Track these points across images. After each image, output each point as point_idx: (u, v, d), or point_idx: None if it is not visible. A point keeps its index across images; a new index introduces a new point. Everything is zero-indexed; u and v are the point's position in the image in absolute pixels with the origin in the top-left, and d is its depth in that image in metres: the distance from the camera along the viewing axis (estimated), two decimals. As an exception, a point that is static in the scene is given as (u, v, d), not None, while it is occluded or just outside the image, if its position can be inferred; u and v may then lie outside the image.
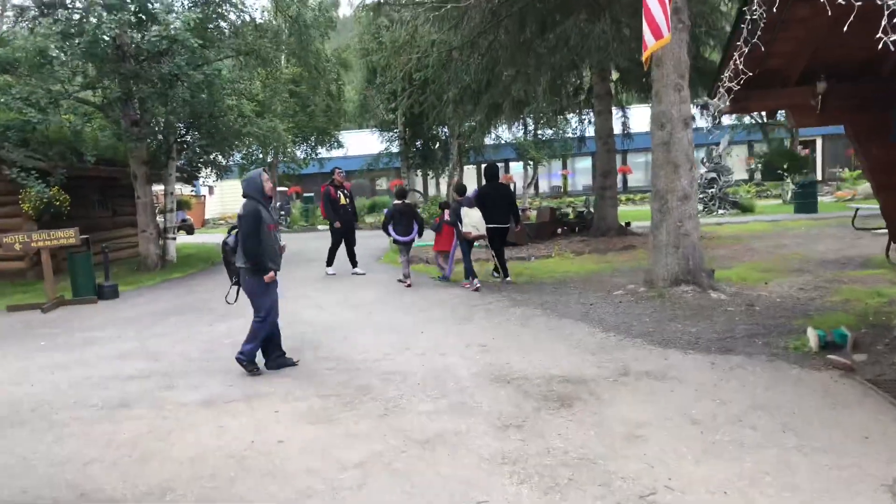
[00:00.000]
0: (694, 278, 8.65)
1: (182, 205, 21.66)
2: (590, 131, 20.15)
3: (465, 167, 28.66)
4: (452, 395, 5.24)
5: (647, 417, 4.55)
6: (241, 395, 5.53)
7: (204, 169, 16.70)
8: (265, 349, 6.47)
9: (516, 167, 36.78)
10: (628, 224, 17.16)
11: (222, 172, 17.41)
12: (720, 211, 22.65)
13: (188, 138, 15.05)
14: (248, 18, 14.83)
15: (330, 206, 11.88)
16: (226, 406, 5.28)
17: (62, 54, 10.51)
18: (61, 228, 10.74)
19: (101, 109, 12.87)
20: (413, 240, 10.77)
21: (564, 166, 36.24)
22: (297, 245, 17.01)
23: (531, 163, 29.39)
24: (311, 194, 28.86)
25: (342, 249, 12.18)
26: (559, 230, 17.57)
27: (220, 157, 16.15)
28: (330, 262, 12.32)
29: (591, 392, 5.14)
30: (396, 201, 10.88)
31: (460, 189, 10.72)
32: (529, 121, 26.41)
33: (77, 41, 10.57)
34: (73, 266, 10.62)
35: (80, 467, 4.21)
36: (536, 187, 35.20)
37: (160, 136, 14.17)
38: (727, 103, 5.26)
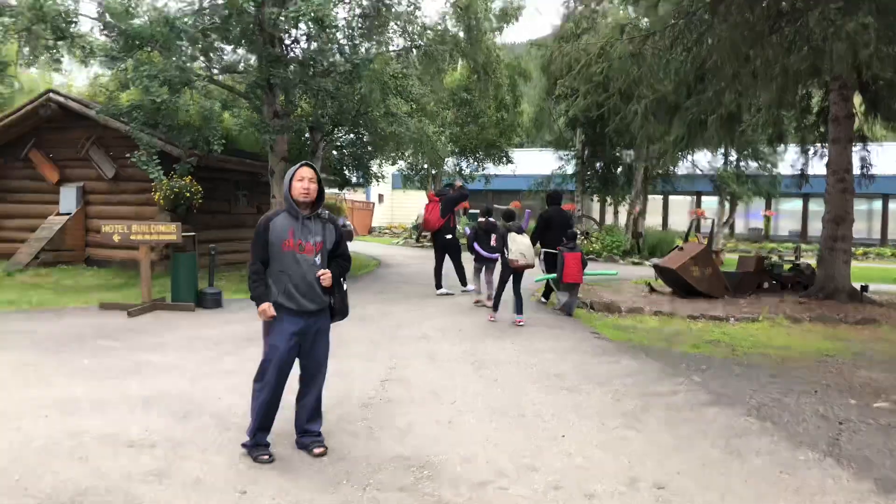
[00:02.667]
0: None
1: (334, 210, 20.62)
2: (814, 166, 16.13)
3: (651, 197, 25.27)
4: None
5: None
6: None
7: (352, 173, 15.24)
8: (297, 422, 4.39)
9: (709, 202, 32.39)
10: (865, 287, 13.08)
11: (370, 179, 15.89)
12: None
13: (338, 137, 13.59)
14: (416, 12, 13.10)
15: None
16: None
17: (192, 28, 9.24)
18: (173, 222, 9.47)
19: (243, 96, 11.67)
20: (496, 259, 9.85)
21: (768, 206, 31.25)
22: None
23: (728, 198, 25.22)
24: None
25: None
26: (766, 284, 13.90)
27: (368, 160, 14.55)
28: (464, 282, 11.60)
29: None
30: (481, 219, 10.45)
31: (508, 215, 9.59)
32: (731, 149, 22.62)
33: (210, 14, 9.27)
34: (175, 266, 9.27)
35: None
36: (732, 228, 30.63)
37: (306, 133, 12.79)
38: None
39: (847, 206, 12.93)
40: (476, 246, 10.26)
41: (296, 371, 4.32)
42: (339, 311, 4.31)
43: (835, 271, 12.75)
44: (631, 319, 10.25)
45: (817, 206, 31.50)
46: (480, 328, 8.65)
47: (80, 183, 13.17)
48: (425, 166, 23.23)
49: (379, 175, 16.54)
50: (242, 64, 11.02)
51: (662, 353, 7.58)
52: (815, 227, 31.58)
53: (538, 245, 10.44)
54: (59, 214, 12.99)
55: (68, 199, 12.91)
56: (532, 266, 8.93)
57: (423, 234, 25.88)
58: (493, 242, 10.11)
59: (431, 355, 6.95)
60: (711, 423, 5.13)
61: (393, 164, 20.57)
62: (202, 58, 10.82)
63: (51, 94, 12.39)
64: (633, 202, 22.77)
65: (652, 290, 13.54)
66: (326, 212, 4.23)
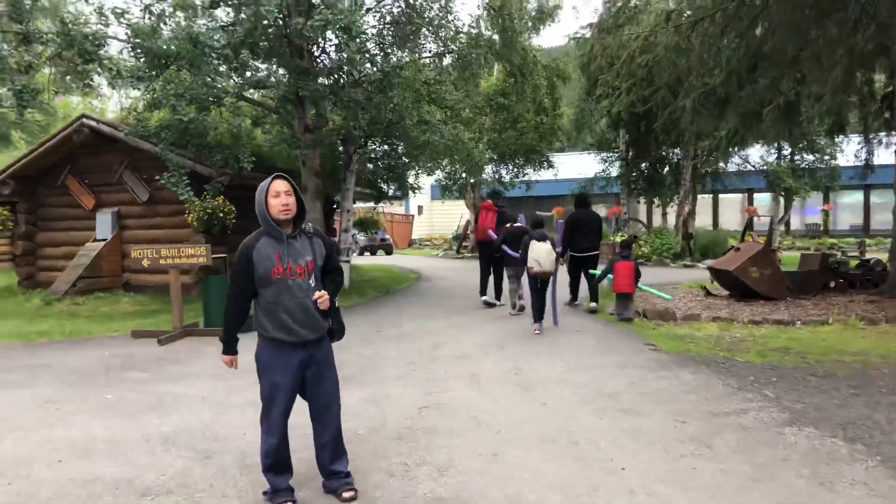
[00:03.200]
0: None
1: (369, 224, 20.35)
2: (879, 155, 15.11)
3: (700, 196, 24.26)
4: None
5: None
6: None
7: (388, 185, 14.87)
8: (319, 464, 3.92)
9: (761, 199, 31.11)
10: (944, 282, 12.04)
11: (406, 190, 15.48)
12: None
13: (372, 149, 13.23)
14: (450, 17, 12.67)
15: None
16: None
17: (218, 42, 8.99)
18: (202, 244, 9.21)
19: (273, 112, 11.42)
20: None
21: (826, 200, 29.80)
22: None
23: (783, 194, 24.04)
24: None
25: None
26: (832, 284, 12.96)
27: (403, 171, 14.15)
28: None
29: None
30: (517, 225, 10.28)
31: (535, 223, 9.22)
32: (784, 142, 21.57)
33: (235, 28, 9.01)
34: (206, 290, 8.98)
35: None
36: (788, 225, 29.31)
37: (339, 147, 12.47)
38: None
39: (920, 194, 11.96)
40: (505, 248, 10.00)
41: (303, 408, 3.85)
42: (337, 330, 3.91)
43: (909, 267, 11.80)
44: (687, 328, 9.55)
45: (880, 199, 29.89)
46: (524, 344, 8.10)
47: (116, 208, 13.12)
48: (463, 175, 22.75)
49: (416, 186, 16.13)
50: (272, 78, 10.74)
51: (726, 365, 6.91)
52: (879, 221, 30.07)
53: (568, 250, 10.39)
54: (95, 241, 12.96)
55: (104, 224, 12.87)
56: (550, 273, 8.70)
57: (465, 243, 25.42)
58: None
59: (473, 376, 6.44)
60: (792, 446, 4.49)
61: (430, 174, 20.15)
62: (231, 74, 10.60)
63: (83, 119, 12.37)
64: (681, 202, 21.86)
65: (708, 293, 12.76)
66: (310, 225, 3.78)
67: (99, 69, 9.72)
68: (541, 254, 8.54)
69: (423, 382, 6.25)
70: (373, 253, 27.18)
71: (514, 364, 6.93)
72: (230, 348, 3.79)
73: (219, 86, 9.80)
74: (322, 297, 3.62)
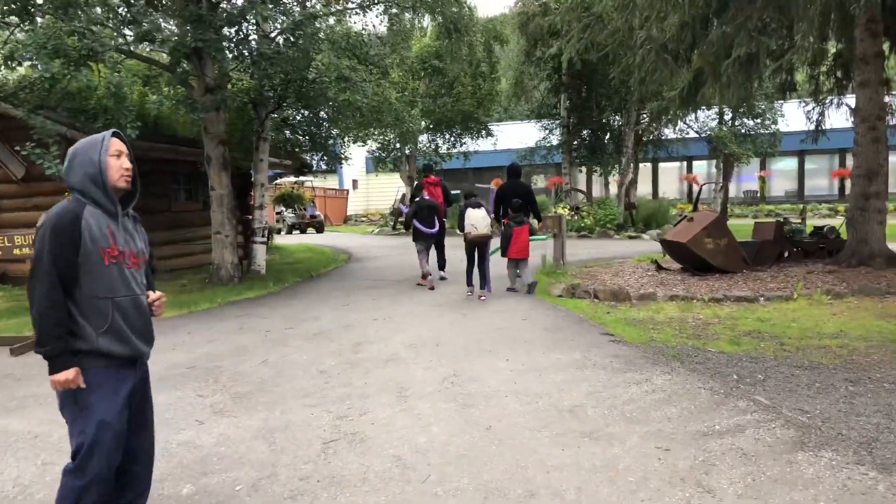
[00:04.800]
0: None
1: (294, 199, 18.67)
2: (833, 117, 14.46)
3: (642, 165, 23.54)
4: None
5: None
6: None
7: (311, 155, 13.32)
8: None
9: (699, 166, 30.83)
10: (904, 250, 11.44)
11: (332, 161, 13.97)
12: None
13: (288, 113, 11.64)
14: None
15: None
16: None
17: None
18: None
19: (167, 69, 9.72)
20: (434, 234, 10.46)
21: (763, 167, 29.68)
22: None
23: (724, 161, 23.52)
24: (458, 192, 25.11)
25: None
26: (786, 253, 12.25)
27: (326, 139, 12.63)
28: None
29: None
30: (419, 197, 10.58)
31: (467, 193, 9.99)
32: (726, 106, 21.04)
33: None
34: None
35: None
36: (726, 193, 29.07)
37: (251, 110, 10.85)
38: None
39: (880, 157, 11.25)
40: (416, 223, 10.31)
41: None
42: (152, 339, 2.98)
43: (868, 234, 11.13)
44: (645, 310, 8.54)
45: (814, 164, 30.00)
46: (464, 336, 6.87)
47: (-14, 187, 11.17)
48: (398, 146, 21.29)
49: (343, 157, 14.60)
50: (162, 27, 8.99)
51: (699, 359, 5.86)
52: (812, 186, 30.23)
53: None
54: (-38, 225, 11.01)
55: (-29, 206, 10.92)
56: (487, 237, 9.14)
57: (400, 219, 24.02)
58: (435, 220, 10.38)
59: (401, 389, 5.15)
60: (815, 483, 3.39)
61: (361, 143, 18.61)
62: (113, 22, 8.84)
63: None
64: (623, 171, 21.06)
65: (659, 268, 11.86)
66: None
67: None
68: (476, 219, 8.98)
69: (336, 400, 4.93)
70: (302, 231, 25.41)
71: (452, 367, 5.68)
72: (63, 360, 2.54)
73: (95, 36, 8.05)
74: (161, 299, 2.85)
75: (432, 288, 10.15)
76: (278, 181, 22.32)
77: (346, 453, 3.93)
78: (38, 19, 8.38)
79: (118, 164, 2.65)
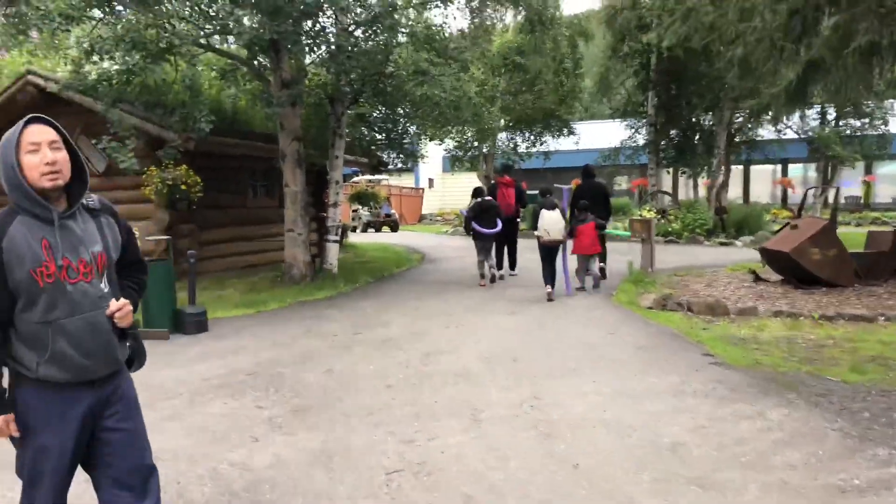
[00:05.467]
0: None
1: (368, 198, 18.42)
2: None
3: (732, 168, 22.16)
4: None
5: None
6: None
7: (388, 153, 12.99)
8: None
9: (795, 169, 28.87)
10: None
11: (408, 159, 13.60)
12: None
13: (365, 109, 11.33)
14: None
15: None
16: None
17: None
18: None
19: (245, 63, 9.54)
20: (493, 234, 10.37)
21: (868, 171, 27.49)
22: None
23: (827, 164, 21.83)
24: (536, 192, 24.34)
25: None
26: (905, 267, 10.98)
27: (402, 135, 12.26)
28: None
29: None
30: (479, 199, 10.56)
31: (542, 192, 9.75)
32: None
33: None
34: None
35: None
36: (826, 199, 27.10)
37: (327, 105, 10.58)
38: None
39: None
40: (475, 224, 10.27)
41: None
42: (138, 355, 2.50)
43: None
44: (746, 326, 7.69)
45: (926, 168, 27.60)
46: (544, 351, 6.28)
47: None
48: (475, 144, 20.79)
49: (419, 154, 14.23)
50: (236, 17, 8.74)
51: (819, 389, 5.06)
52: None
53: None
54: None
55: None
56: (560, 241, 9.09)
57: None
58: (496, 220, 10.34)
59: (473, 411, 4.62)
60: None
61: (438, 141, 18.21)
62: (192, 13, 8.71)
63: (29, 77, 10.56)
64: (714, 173, 19.84)
65: (757, 278, 10.86)
66: (95, 197, 2.40)
67: (24, 5, 7.90)
68: (549, 223, 8.93)
69: (401, 420, 4.46)
70: (377, 229, 25.30)
71: (531, 388, 5.11)
72: None
73: (173, 29, 7.90)
74: (123, 308, 2.30)
75: (493, 280, 10.60)
76: (355, 179, 22.25)
77: (410, 488, 3.44)
78: (119, 8, 8.32)
79: (37, 161, 2.17)
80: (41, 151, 2.17)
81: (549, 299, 8.90)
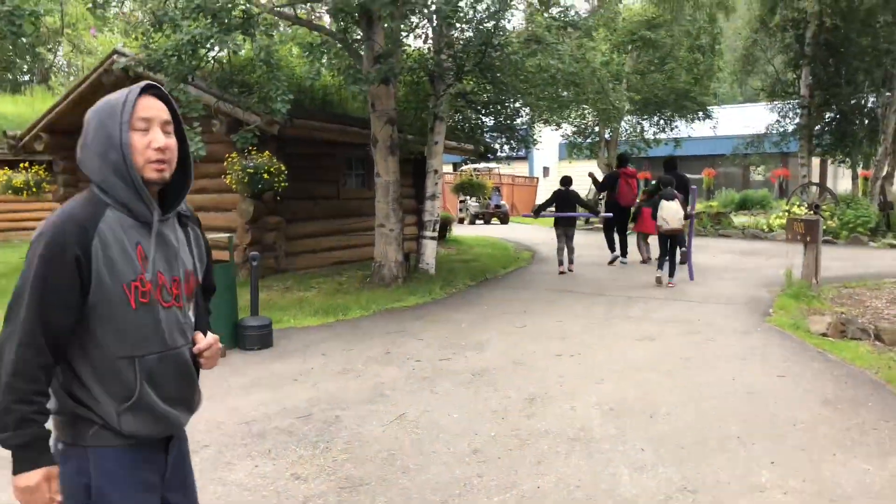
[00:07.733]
0: None
1: (475, 188, 16.99)
2: None
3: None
4: None
5: None
6: None
7: (496, 140, 11.55)
8: None
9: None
10: None
11: (519, 144, 12.08)
12: None
13: (470, 89, 9.94)
14: None
15: None
16: None
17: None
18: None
19: (333, 36, 8.39)
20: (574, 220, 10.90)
21: None
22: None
23: None
24: (654, 182, 22.00)
25: None
26: None
27: (512, 117, 10.79)
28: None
29: None
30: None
31: (664, 181, 9.84)
32: None
33: None
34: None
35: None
36: None
37: (427, 84, 9.30)
38: None
39: None
40: (553, 210, 10.65)
41: None
42: (197, 402, 1.84)
43: None
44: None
45: None
46: (692, 403, 4.62)
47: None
48: (596, 129, 18.91)
49: (532, 140, 12.69)
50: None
51: None
52: None
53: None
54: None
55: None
56: (677, 230, 9.19)
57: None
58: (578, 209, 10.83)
59: (593, 511, 3.13)
60: None
61: (555, 126, 16.52)
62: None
63: (115, 56, 10.01)
64: (879, 163, 16.88)
65: (960, 297, 8.55)
66: (184, 204, 1.77)
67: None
68: (669, 213, 9.11)
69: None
70: (486, 222, 23.86)
71: (678, 470, 3.52)
72: (36, 455, 1.56)
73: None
74: (213, 346, 1.78)
75: (564, 272, 10.63)
76: (463, 167, 20.96)
77: None
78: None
79: (144, 143, 1.62)
80: (151, 132, 1.63)
81: (659, 283, 9.30)
